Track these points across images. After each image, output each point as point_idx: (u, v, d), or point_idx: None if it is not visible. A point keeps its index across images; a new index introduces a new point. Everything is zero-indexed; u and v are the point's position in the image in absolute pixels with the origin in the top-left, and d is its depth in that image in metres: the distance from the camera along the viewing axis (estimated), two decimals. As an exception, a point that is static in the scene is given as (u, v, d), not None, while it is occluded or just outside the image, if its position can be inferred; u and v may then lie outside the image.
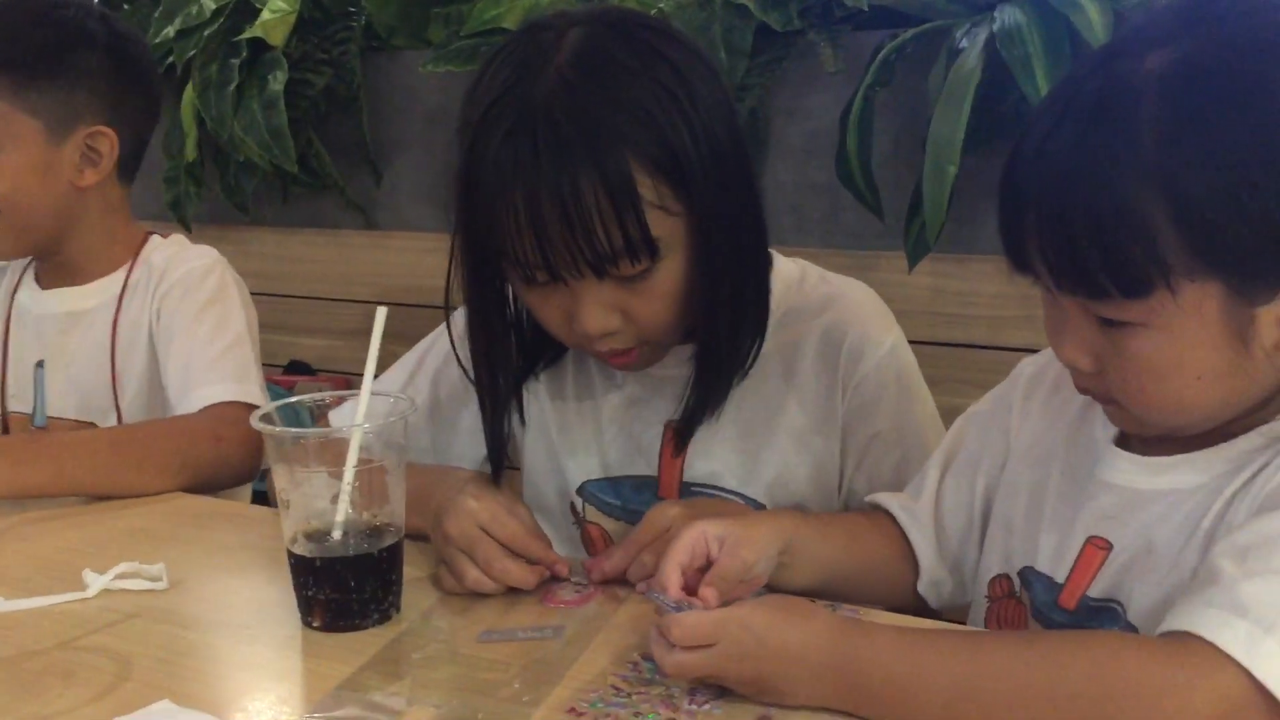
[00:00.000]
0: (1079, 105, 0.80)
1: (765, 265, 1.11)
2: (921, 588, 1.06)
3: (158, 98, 1.51)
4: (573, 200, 0.96)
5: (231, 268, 1.50)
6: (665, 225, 1.00)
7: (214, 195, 2.20)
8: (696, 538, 0.93)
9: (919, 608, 1.08)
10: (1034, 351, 1.56)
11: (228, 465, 1.31)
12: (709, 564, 0.92)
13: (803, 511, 1.08)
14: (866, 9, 1.55)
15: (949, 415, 1.19)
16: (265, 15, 1.97)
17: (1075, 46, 1.37)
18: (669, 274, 1.03)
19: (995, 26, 1.42)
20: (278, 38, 1.99)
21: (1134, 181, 0.76)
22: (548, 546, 1.04)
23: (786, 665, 0.81)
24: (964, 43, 1.46)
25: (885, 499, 1.08)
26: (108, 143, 1.42)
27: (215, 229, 2.24)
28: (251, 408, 1.27)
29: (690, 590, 0.90)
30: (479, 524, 1.00)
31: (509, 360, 1.14)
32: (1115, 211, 0.77)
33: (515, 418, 1.19)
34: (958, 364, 1.58)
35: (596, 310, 1.03)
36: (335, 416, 1.17)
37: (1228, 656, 0.72)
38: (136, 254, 1.49)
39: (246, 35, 1.98)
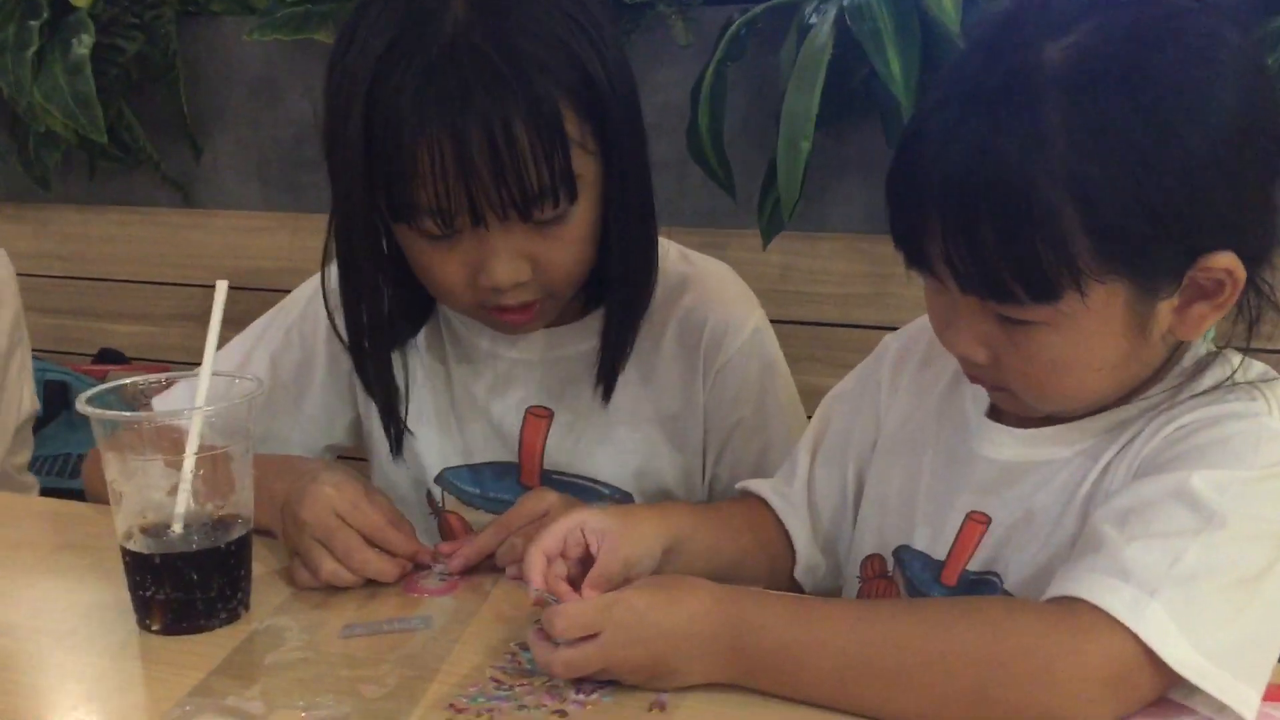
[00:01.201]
0: (980, 101, 0.78)
1: (653, 220, 1.07)
2: (798, 573, 1.04)
3: None
4: (504, 137, 0.90)
5: (4, 260, 1.35)
6: (583, 164, 0.96)
7: (10, 169, 2.04)
8: (572, 528, 0.88)
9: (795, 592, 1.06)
10: (884, 329, 1.60)
11: None
12: (587, 557, 0.88)
13: (682, 503, 1.05)
14: (715, -18, 1.54)
15: (802, 394, 1.19)
16: (68, -27, 1.83)
17: (925, 24, 1.39)
18: (582, 218, 0.98)
19: (845, 2, 1.42)
20: (83, -1, 1.85)
21: (1044, 183, 0.75)
22: (411, 535, 0.98)
23: (676, 642, 0.78)
24: (814, 18, 1.46)
25: (758, 485, 1.06)
26: None
27: (11, 207, 2.08)
28: None
29: (571, 584, 0.86)
30: (336, 512, 0.94)
31: (381, 320, 1.08)
32: (1026, 215, 0.75)
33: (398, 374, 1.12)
34: (809, 342, 1.59)
35: (509, 259, 0.97)
36: (162, 401, 1.06)
37: (1114, 619, 0.72)
38: None
39: (47, -7, 1.84)
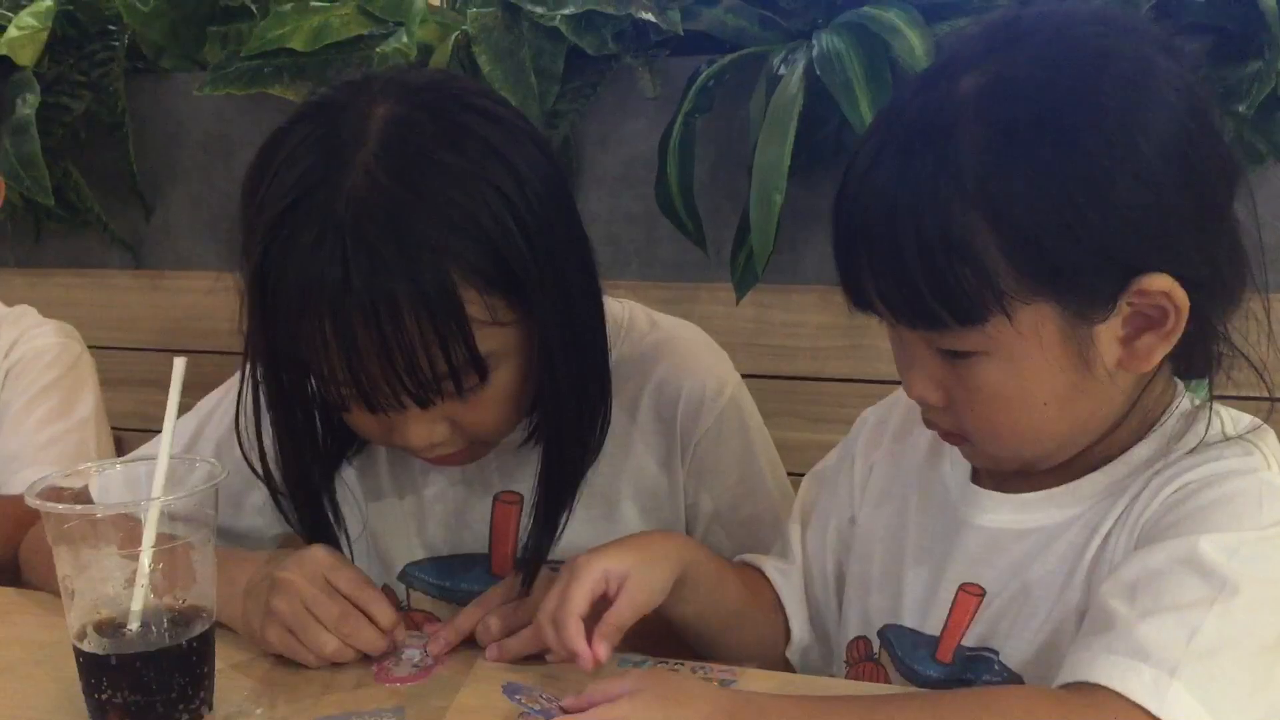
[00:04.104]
0: (897, 133, 0.78)
1: (603, 341, 1.01)
2: (790, 653, 1.01)
3: None
4: (392, 327, 0.84)
5: (85, 346, 1.37)
6: (497, 339, 0.90)
7: (-49, 234, 1.96)
8: (599, 579, 0.86)
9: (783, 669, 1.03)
10: (859, 382, 1.58)
11: None
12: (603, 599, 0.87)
13: (703, 546, 1.00)
14: (681, 34, 1.50)
15: (777, 450, 1.15)
16: (12, 32, 1.77)
17: (896, 73, 1.36)
18: (501, 383, 0.93)
19: (814, 53, 1.40)
20: (27, 57, 1.79)
21: (958, 207, 0.75)
22: (389, 604, 0.94)
23: None
24: (782, 69, 1.43)
25: (757, 559, 1.03)
26: None
27: (-46, 271, 2.00)
28: None
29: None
30: (325, 578, 0.91)
31: (317, 452, 1.01)
32: (942, 239, 0.75)
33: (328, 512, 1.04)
34: (783, 396, 1.55)
35: (421, 428, 0.92)
36: (98, 485, 1.00)
37: (1136, 705, 0.70)
38: None
39: (-10, 53, 1.77)
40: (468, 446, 0.97)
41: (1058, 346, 0.78)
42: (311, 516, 1.02)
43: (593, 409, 1.00)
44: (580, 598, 0.85)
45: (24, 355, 1.32)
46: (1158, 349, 0.79)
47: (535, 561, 0.99)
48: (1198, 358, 0.82)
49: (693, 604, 0.93)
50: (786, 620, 1.01)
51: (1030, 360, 0.78)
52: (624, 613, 0.86)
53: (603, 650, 0.84)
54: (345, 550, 1.03)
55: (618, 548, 0.89)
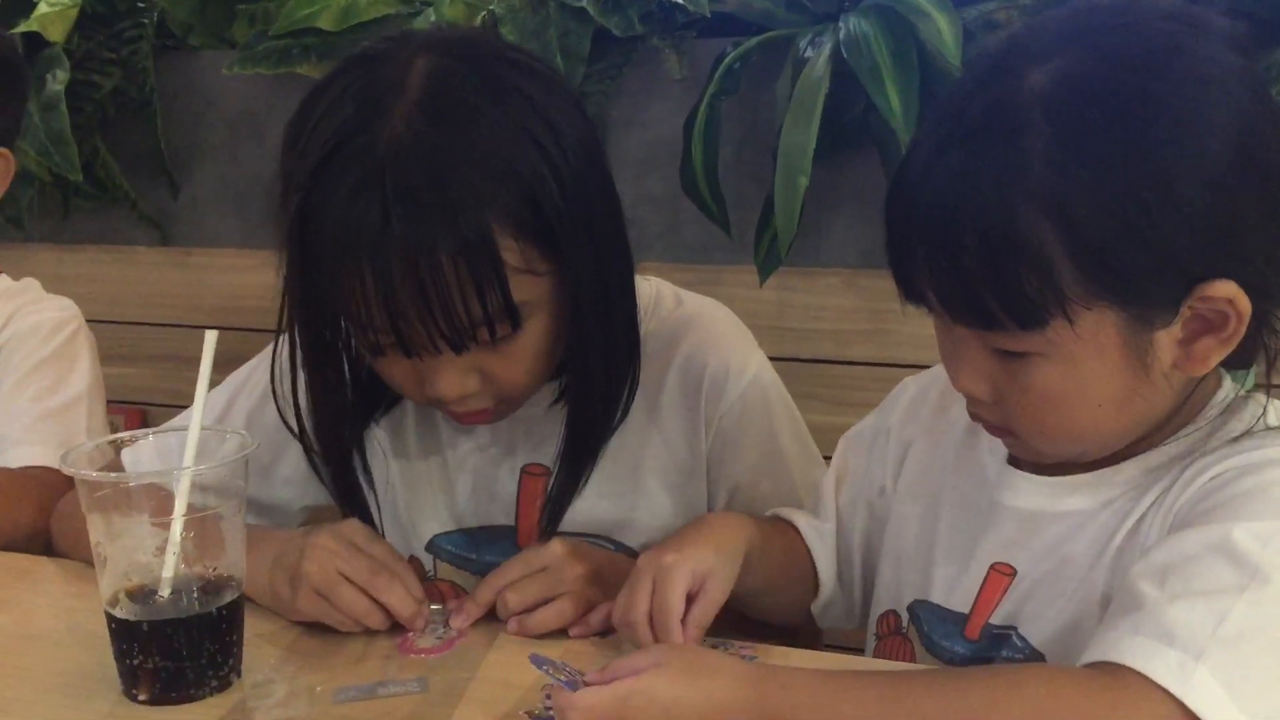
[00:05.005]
0: (963, 127, 0.77)
1: (633, 303, 1.02)
2: (815, 608, 1.02)
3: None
4: (430, 273, 0.85)
5: (86, 324, 1.35)
6: (531, 288, 0.91)
7: (-19, 208, 1.98)
8: (689, 580, 0.87)
9: (801, 626, 1.05)
10: (882, 366, 1.58)
11: (19, 531, 1.15)
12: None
13: (749, 518, 1.00)
14: (708, 16, 1.51)
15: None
16: (42, 8, 1.78)
17: (923, 57, 1.36)
18: (534, 335, 0.94)
19: (841, 36, 1.40)
20: (57, 33, 1.80)
21: (1024, 208, 0.73)
22: (415, 577, 0.95)
23: None
24: (809, 52, 1.43)
25: (791, 514, 1.03)
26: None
27: (-17, 246, 2.02)
28: None
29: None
30: (354, 543, 0.92)
31: (346, 411, 1.03)
32: (1007, 241, 0.74)
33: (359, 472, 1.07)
34: (806, 379, 1.55)
35: (454, 376, 0.93)
36: (130, 456, 1.01)
37: (1160, 687, 0.69)
38: None
39: (20, 29, 1.78)
40: (495, 404, 0.98)
41: (1117, 350, 0.77)
42: (343, 474, 1.04)
43: (621, 368, 1.01)
44: (678, 600, 0.85)
45: (18, 331, 1.30)
46: (1216, 352, 0.77)
47: (556, 517, 1.01)
48: (1247, 350, 0.80)
49: (748, 580, 0.93)
50: (816, 575, 1.01)
51: (1088, 363, 0.77)
52: (708, 612, 0.87)
53: (694, 638, 0.86)
54: (374, 509, 1.05)
55: (694, 546, 0.89)
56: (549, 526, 1.03)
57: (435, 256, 0.85)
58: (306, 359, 0.99)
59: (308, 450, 1.04)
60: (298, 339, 0.98)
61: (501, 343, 0.92)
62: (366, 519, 1.06)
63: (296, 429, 1.03)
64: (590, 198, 0.93)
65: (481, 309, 0.88)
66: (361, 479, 1.06)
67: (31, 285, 1.39)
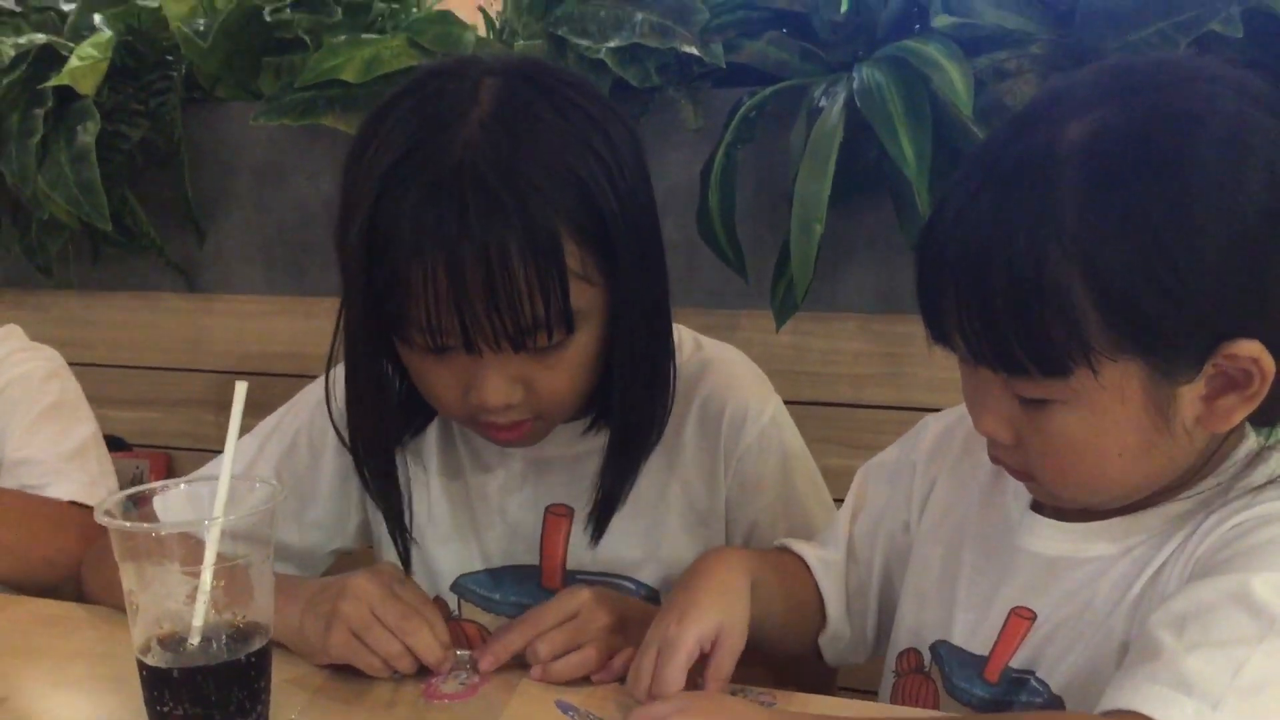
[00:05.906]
0: (998, 174, 0.78)
1: (669, 330, 1.05)
2: (823, 640, 1.03)
3: None
4: (500, 267, 0.88)
5: (70, 372, 1.37)
6: (585, 296, 0.94)
7: (12, 256, 2.02)
8: (693, 650, 0.88)
9: (808, 658, 1.06)
10: (898, 410, 1.59)
11: (63, 557, 1.17)
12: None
13: (754, 552, 1.03)
14: (724, 66, 1.53)
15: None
16: (74, 62, 1.82)
17: (935, 106, 1.39)
18: (581, 347, 0.97)
19: (855, 85, 1.42)
20: (88, 86, 1.84)
21: (1054, 255, 0.74)
22: (444, 624, 0.97)
23: None
24: (823, 101, 1.46)
25: (798, 546, 1.04)
26: None
27: (12, 293, 2.05)
28: None
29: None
30: (391, 588, 0.95)
31: (389, 431, 1.06)
32: (1035, 288, 0.75)
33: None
34: (823, 423, 1.56)
35: (501, 382, 0.95)
36: (161, 503, 1.03)
37: None
38: None
39: (53, 83, 1.82)
40: (533, 419, 1.00)
41: (1139, 402, 0.78)
42: (384, 487, 1.07)
43: (661, 386, 1.04)
44: (677, 676, 0.86)
45: (12, 379, 1.31)
46: (1239, 410, 0.78)
47: (605, 514, 1.06)
48: (1272, 408, 0.80)
49: (752, 609, 0.94)
50: (823, 607, 1.02)
51: (1110, 414, 0.78)
52: (727, 663, 0.88)
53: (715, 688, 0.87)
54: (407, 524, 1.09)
55: (697, 607, 0.90)
56: (598, 518, 1.06)
57: (508, 253, 0.88)
58: (359, 370, 1.01)
59: (358, 461, 1.07)
60: (354, 352, 1.00)
61: (550, 351, 0.95)
62: (399, 530, 1.09)
63: (349, 441, 1.05)
64: (642, 213, 0.97)
65: (544, 309, 0.91)
66: (401, 491, 1.09)
67: (14, 332, 1.39)
